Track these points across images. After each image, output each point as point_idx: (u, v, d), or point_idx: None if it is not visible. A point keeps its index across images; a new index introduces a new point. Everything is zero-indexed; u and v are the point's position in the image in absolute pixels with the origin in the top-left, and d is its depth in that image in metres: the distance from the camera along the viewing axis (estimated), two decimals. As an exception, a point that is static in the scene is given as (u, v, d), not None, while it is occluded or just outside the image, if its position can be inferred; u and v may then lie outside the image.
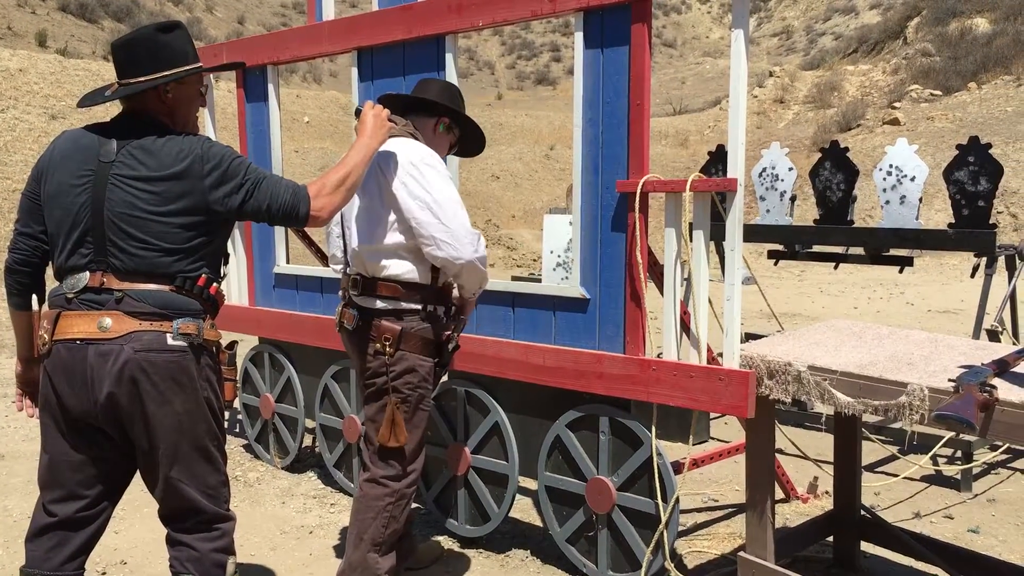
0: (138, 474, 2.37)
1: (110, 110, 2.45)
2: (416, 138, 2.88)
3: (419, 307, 2.81)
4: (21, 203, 2.34)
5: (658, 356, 3.04)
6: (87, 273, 2.20)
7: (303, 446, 4.63)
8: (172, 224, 2.19)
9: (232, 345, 2.49)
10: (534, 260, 15.74)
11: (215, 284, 2.32)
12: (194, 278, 2.25)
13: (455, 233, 2.70)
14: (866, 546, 3.37)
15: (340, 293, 2.97)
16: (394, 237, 2.77)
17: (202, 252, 2.26)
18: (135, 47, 2.26)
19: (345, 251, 2.93)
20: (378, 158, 2.75)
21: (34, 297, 2.41)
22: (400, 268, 2.78)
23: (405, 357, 2.80)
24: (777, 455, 3.36)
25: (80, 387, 2.17)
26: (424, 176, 2.72)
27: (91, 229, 2.19)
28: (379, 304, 2.80)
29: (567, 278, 4.03)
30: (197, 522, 2.32)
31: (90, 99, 2.35)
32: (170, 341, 2.19)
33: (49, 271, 2.33)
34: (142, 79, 2.25)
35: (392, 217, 2.76)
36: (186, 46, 2.31)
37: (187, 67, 2.30)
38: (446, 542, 3.64)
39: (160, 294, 2.20)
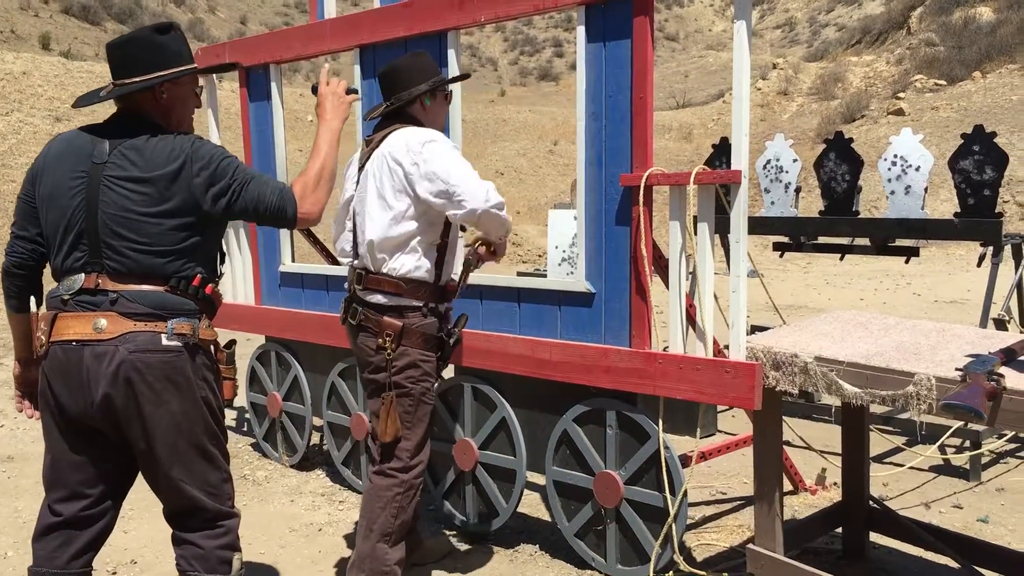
0: (144, 474, 2.39)
1: (110, 111, 2.46)
2: (417, 123, 2.91)
3: (421, 304, 2.83)
4: (17, 206, 2.35)
5: (664, 349, 3.04)
6: (82, 275, 2.20)
7: (311, 444, 4.64)
8: (164, 225, 2.19)
9: (230, 344, 2.49)
10: (539, 256, 15.72)
11: (211, 284, 2.32)
12: (189, 278, 2.25)
13: (467, 188, 2.73)
14: (875, 537, 3.37)
15: (346, 286, 2.99)
16: (407, 227, 2.79)
17: (196, 252, 2.26)
18: (130, 48, 2.27)
19: (355, 244, 2.94)
20: (387, 151, 2.81)
21: (32, 299, 2.41)
22: (406, 264, 2.80)
23: (407, 352, 2.82)
24: (784, 447, 3.35)
25: (76, 388, 2.18)
26: (429, 152, 2.77)
27: (85, 231, 2.19)
28: (381, 299, 2.82)
29: (572, 273, 4.02)
30: (201, 520, 2.33)
31: (85, 100, 2.36)
32: (164, 341, 2.19)
33: (48, 272, 2.34)
34: (137, 79, 2.25)
35: (403, 207, 2.78)
36: (181, 47, 2.32)
37: (181, 67, 2.31)
38: (454, 538, 3.65)
39: (154, 295, 2.20)
